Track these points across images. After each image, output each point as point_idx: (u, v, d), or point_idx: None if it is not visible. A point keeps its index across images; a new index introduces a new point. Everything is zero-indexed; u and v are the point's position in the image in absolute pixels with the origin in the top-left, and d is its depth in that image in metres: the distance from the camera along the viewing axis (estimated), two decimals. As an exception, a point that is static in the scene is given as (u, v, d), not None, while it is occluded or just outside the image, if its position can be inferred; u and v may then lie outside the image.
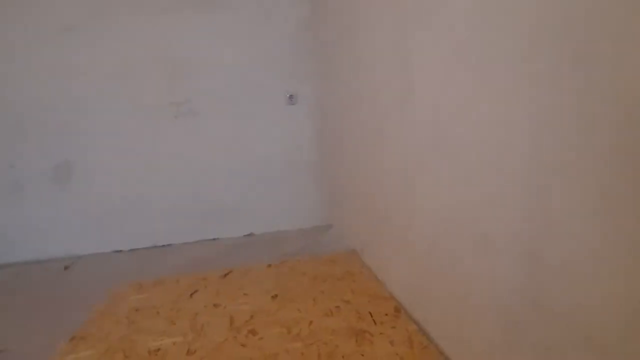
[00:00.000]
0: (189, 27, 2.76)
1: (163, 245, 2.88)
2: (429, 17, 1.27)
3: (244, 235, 2.96)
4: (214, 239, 2.92)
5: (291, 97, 2.94)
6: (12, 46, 2.62)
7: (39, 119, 2.69)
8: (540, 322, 0.91)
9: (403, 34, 1.47)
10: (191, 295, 1.97)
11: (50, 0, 2.62)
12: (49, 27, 2.63)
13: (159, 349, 1.51)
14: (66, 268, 2.61)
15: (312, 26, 2.86)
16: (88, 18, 2.66)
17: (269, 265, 2.28)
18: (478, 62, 1.04)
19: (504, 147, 0.98)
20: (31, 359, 1.55)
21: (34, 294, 2.26)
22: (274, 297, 1.87)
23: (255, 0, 2.79)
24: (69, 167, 2.74)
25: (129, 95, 2.74)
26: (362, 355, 1.35)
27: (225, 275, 2.18)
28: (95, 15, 2.66)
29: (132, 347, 1.54)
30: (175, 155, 2.83)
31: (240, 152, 2.90)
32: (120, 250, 2.85)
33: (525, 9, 0.88)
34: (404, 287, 1.69)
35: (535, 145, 0.88)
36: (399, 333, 1.47)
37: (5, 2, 2.59)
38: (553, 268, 0.86)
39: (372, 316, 1.61)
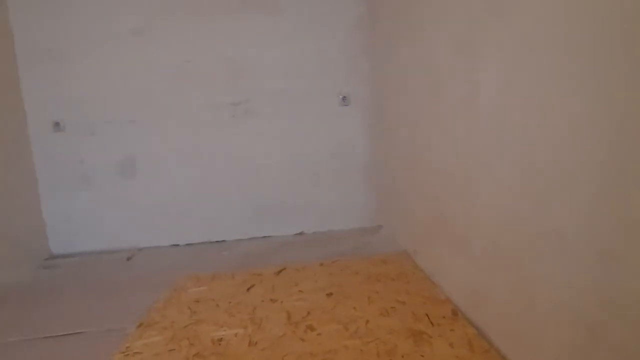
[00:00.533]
0: (248, 29, 2.85)
1: (217, 241, 2.98)
2: (499, 12, 1.26)
3: (295, 234, 3.01)
4: (265, 237, 2.99)
5: (344, 98, 2.97)
6: (83, 48, 2.81)
7: (106, 117, 2.86)
8: (618, 324, 0.88)
9: (468, 30, 1.46)
10: (248, 289, 2.04)
11: (119, 5, 2.78)
12: (118, 30, 2.79)
13: (221, 339, 1.57)
14: (128, 259, 2.76)
15: (368, 25, 2.88)
16: (155, 21, 2.81)
17: (322, 264, 2.31)
18: (554, 60, 1.02)
19: (581, 144, 0.95)
20: (104, 341, 1.65)
21: (102, 281, 2.41)
22: (329, 294, 1.90)
23: (312, 2, 2.85)
24: (134, 163, 2.90)
25: (190, 95, 2.87)
26: (422, 356, 1.36)
27: (279, 272, 2.24)
28: (161, 19, 2.81)
29: (196, 336, 1.61)
30: (232, 154, 2.94)
31: (293, 152, 2.96)
32: (177, 244, 2.98)
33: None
34: (461, 290, 1.67)
35: (615, 142, 0.86)
36: (458, 336, 1.46)
37: (77, 6, 2.78)
38: (632, 267, 0.83)
39: (429, 318, 1.61)
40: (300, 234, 3.02)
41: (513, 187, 1.24)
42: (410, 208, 2.36)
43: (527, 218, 1.17)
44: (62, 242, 2.94)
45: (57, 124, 2.86)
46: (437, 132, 1.85)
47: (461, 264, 1.66)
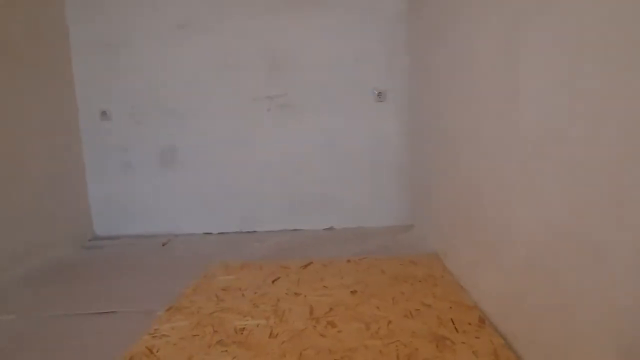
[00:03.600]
0: (289, 23, 2.88)
1: (248, 232, 3.04)
2: (547, 6, 1.19)
3: (324, 229, 3.02)
4: (295, 230, 3.02)
5: (380, 94, 2.93)
6: (131, 41, 2.92)
7: (150, 107, 2.97)
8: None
9: (511, 27, 1.40)
10: (273, 281, 2.06)
11: (165, 2, 2.88)
12: (164, 24, 2.89)
13: (244, 328, 1.60)
14: (164, 244, 2.86)
15: (409, 21, 2.83)
16: (199, 15, 2.88)
17: (349, 260, 2.31)
18: (609, 59, 0.95)
19: (637, 155, 0.88)
20: (135, 322, 1.72)
21: (138, 264, 2.51)
22: (354, 292, 1.89)
23: (351, -3, 2.83)
24: (174, 152, 3.00)
25: (231, 88, 2.94)
26: (443, 362, 1.33)
27: (306, 266, 2.25)
28: (205, 13, 2.88)
29: (220, 324, 1.65)
30: (268, 147, 2.98)
31: (328, 147, 2.96)
32: (210, 233, 3.06)
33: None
34: (491, 297, 1.62)
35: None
36: (483, 344, 1.41)
37: (127, 1, 2.89)
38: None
39: (454, 323, 1.56)
40: (330, 228, 3.02)
41: (553, 197, 1.18)
42: (441, 209, 2.31)
43: (568, 231, 1.11)
44: (104, 225, 3.09)
45: (104, 113, 3.00)
46: (472, 133, 1.79)
47: (492, 271, 1.61)
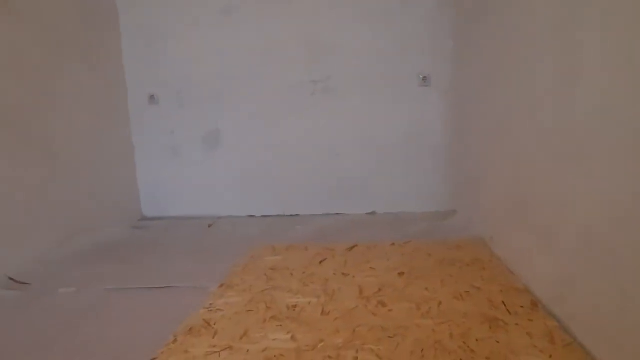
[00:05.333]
0: (331, 7, 2.87)
1: (291, 215, 3.09)
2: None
3: (367, 213, 3.03)
4: (337, 214, 3.04)
5: (425, 78, 2.89)
6: (178, 28, 2.99)
7: (196, 92, 3.04)
8: None
9: (568, 6, 1.36)
10: (320, 262, 2.10)
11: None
12: (209, 11, 2.94)
13: (296, 306, 1.65)
14: (209, 226, 2.95)
15: (454, 3, 2.77)
16: (240, 2, 2.91)
17: (393, 244, 2.32)
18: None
19: None
20: (190, 297, 1.80)
21: (186, 244, 2.61)
22: (401, 274, 1.90)
23: (397, -20, 2.79)
24: (218, 135, 3.07)
25: (273, 72, 2.97)
26: (497, 342, 1.33)
27: (351, 248, 2.27)
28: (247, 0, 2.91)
29: (272, 300, 1.70)
30: (311, 131, 3.00)
31: (371, 131, 2.96)
32: (253, 216, 3.13)
33: None
34: (544, 281, 1.60)
35: None
36: (537, 327, 1.40)
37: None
38: None
39: (505, 306, 1.56)
40: (372, 213, 3.03)
41: (614, 177, 1.15)
42: (488, 194, 2.28)
43: (629, 212, 1.08)
44: (152, 206, 3.21)
45: (152, 97, 3.09)
46: (523, 117, 1.75)
47: (545, 254, 1.58)
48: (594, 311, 1.26)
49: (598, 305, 1.23)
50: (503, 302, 1.59)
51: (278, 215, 3.09)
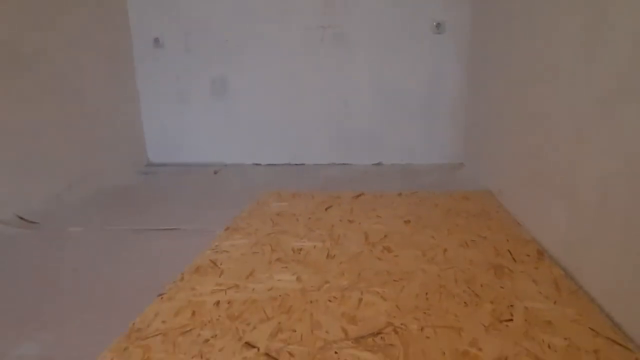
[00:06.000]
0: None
1: (297, 164, 3.07)
2: None
3: (373, 164, 3.00)
4: (344, 164, 3.02)
5: (438, 25, 2.77)
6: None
7: (202, 35, 2.94)
8: None
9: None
10: (326, 209, 2.10)
11: None
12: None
13: (301, 249, 1.65)
14: (215, 172, 2.94)
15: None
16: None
17: (400, 194, 2.30)
18: None
19: None
20: (196, 239, 1.81)
21: (192, 190, 2.61)
22: (407, 222, 1.90)
23: None
24: (225, 82, 3.00)
25: (283, 18, 2.86)
26: (502, 287, 1.33)
27: (357, 196, 2.27)
28: None
29: (277, 244, 1.71)
30: (320, 79, 2.92)
31: (380, 80, 2.88)
32: (259, 164, 3.11)
33: None
34: (552, 233, 1.58)
35: None
36: (543, 274, 1.40)
37: None
38: None
39: (511, 254, 1.56)
40: (379, 164, 3.00)
41: (635, 134, 1.10)
42: (498, 147, 2.23)
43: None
44: (158, 152, 3.20)
45: (156, 40, 2.99)
46: (547, 68, 1.67)
47: (556, 208, 1.56)
48: (602, 262, 1.24)
49: (607, 257, 1.22)
50: (509, 250, 1.59)
51: (284, 164, 3.07)
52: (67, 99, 2.48)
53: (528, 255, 1.54)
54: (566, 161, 1.50)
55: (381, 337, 1.10)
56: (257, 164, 3.11)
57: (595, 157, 1.31)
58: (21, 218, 2.10)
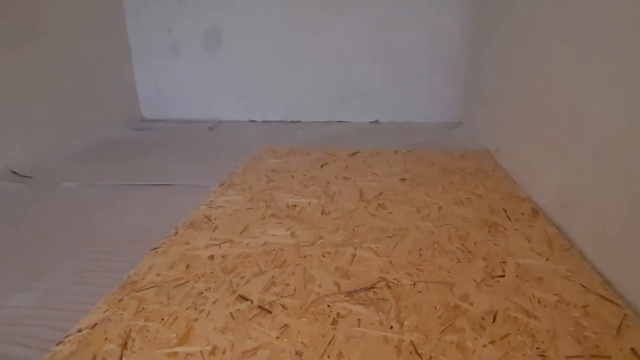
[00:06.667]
0: None
1: (292, 121, 3.02)
2: None
3: (370, 122, 2.96)
4: (340, 122, 2.97)
5: (441, -25, 2.65)
6: None
7: (193, -17, 2.81)
8: None
9: None
10: (322, 166, 2.08)
11: None
12: None
13: (296, 205, 1.65)
14: (210, 129, 2.90)
15: None
16: None
17: (396, 152, 2.28)
18: None
19: None
20: (191, 194, 1.80)
21: (187, 146, 2.58)
22: (402, 180, 1.89)
23: None
24: (219, 35, 2.89)
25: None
26: (495, 245, 1.34)
27: (353, 154, 2.24)
28: None
29: (272, 199, 1.70)
30: (316, 35, 2.82)
31: (379, 37, 2.78)
32: (254, 121, 3.06)
33: None
34: (548, 191, 1.58)
35: None
36: (537, 232, 1.41)
37: None
38: None
39: (506, 212, 1.56)
40: (376, 122, 2.96)
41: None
42: (499, 105, 2.19)
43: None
44: (152, 108, 3.14)
45: (146, -11, 2.86)
46: (544, 24, 1.60)
47: (554, 165, 1.54)
48: (595, 221, 1.24)
49: (600, 216, 1.22)
50: (504, 208, 1.58)
51: (280, 121, 3.03)
52: (56, 51, 2.39)
53: (523, 214, 1.54)
54: (566, 119, 1.47)
55: (374, 292, 1.11)
56: (252, 121, 3.06)
57: (596, 116, 1.28)
58: (14, 172, 2.07)
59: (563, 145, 1.48)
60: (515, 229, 1.44)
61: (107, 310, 1.06)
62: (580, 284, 1.13)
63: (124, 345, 0.94)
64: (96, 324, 1.01)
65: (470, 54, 2.69)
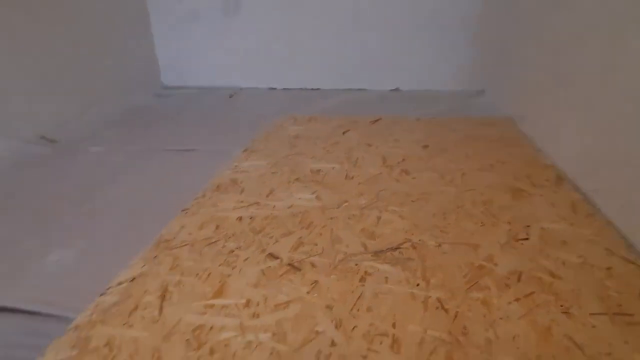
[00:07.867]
0: None
1: (312, 89, 3.01)
2: None
3: (390, 90, 2.93)
4: (360, 89, 2.95)
5: None
6: None
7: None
8: None
9: None
10: (343, 133, 2.08)
11: None
12: None
13: (319, 170, 1.67)
14: (231, 96, 2.90)
15: None
16: None
17: (418, 119, 2.27)
18: None
19: None
20: (215, 159, 1.83)
21: (208, 112, 2.59)
22: (425, 146, 1.89)
23: None
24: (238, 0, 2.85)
25: None
26: (520, 210, 1.34)
27: (375, 121, 2.24)
28: None
29: (296, 165, 1.73)
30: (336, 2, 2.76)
31: (399, 1, 2.71)
32: (275, 88, 3.05)
33: None
34: (573, 157, 1.57)
35: None
36: (561, 198, 1.41)
37: None
38: None
39: (530, 179, 1.55)
40: (396, 89, 2.93)
41: None
42: (521, 71, 2.14)
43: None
44: (172, 75, 3.14)
45: (164, -48, 2.82)
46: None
47: (578, 130, 1.53)
48: (619, 185, 1.24)
49: (625, 180, 1.21)
50: (528, 175, 1.58)
51: (300, 89, 3.01)
52: (79, 21, 2.40)
53: (547, 180, 1.54)
54: (593, 85, 1.45)
55: (399, 252, 1.14)
56: (272, 88, 3.05)
57: (624, 82, 1.26)
58: (42, 137, 2.13)
59: (592, 108, 1.45)
60: (540, 195, 1.44)
61: (144, 265, 1.12)
62: (604, 247, 1.14)
63: (163, 297, 0.99)
64: (134, 278, 1.07)
65: (495, 19, 2.61)
